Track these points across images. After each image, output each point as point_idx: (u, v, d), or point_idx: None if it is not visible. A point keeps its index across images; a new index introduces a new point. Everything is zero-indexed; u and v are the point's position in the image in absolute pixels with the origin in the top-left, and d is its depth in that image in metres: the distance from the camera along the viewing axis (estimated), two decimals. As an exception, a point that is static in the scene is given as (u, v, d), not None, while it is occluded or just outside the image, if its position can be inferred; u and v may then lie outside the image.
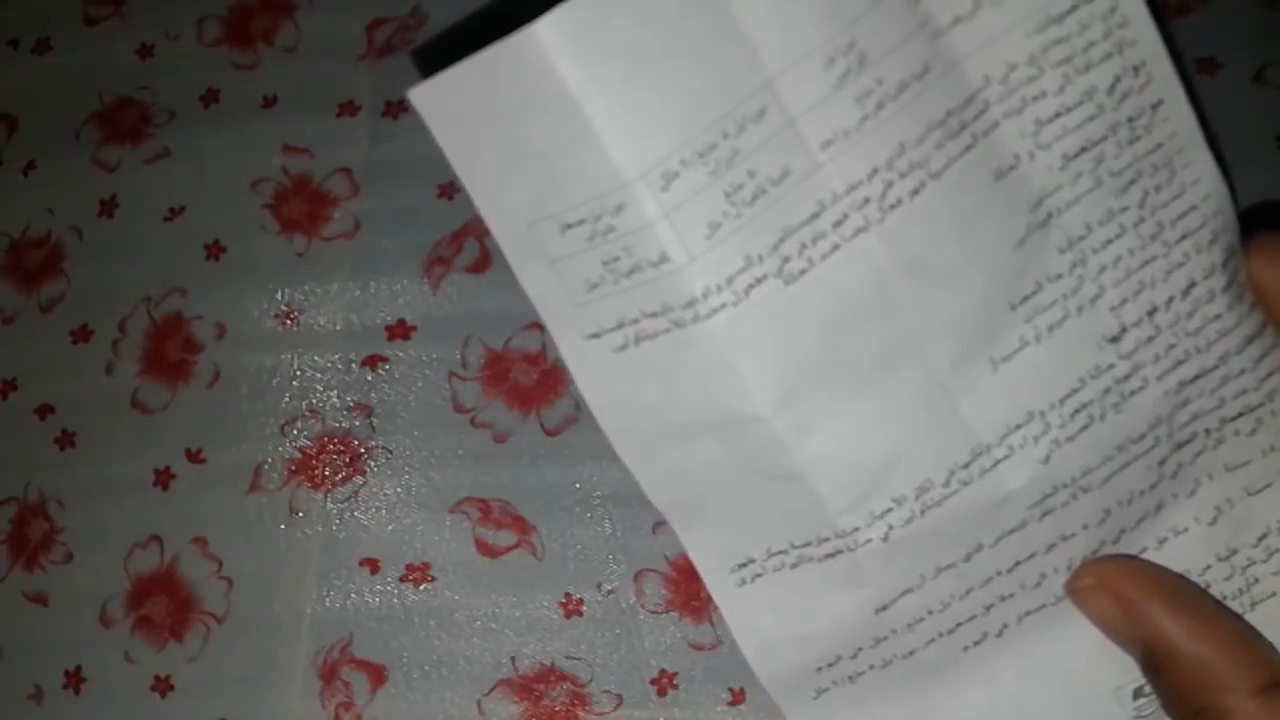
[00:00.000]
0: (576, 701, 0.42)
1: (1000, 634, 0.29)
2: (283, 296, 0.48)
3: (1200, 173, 0.27)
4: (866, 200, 0.25)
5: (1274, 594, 0.30)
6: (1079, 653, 0.30)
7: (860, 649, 0.29)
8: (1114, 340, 0.27)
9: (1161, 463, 0.28)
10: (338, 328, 0.48)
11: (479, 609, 0.44)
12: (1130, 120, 0.26)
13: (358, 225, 0.49)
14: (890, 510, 0.27)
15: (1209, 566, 0.29)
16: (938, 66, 0.25)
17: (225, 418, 0.47)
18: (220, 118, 0.51)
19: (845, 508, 0.27)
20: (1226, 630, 0.27)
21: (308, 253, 0.49)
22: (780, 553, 0.28)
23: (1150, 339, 0.27)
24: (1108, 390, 0.27)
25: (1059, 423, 0.27)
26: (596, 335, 0.26)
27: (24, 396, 0.49)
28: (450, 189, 0.48)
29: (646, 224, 0.24)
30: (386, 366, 0.47)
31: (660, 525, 0.43)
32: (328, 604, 0.44)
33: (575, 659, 0.43)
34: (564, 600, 0.43)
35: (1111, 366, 0.27)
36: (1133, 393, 0.27)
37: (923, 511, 0.27)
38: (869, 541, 0.28)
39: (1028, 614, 0.29)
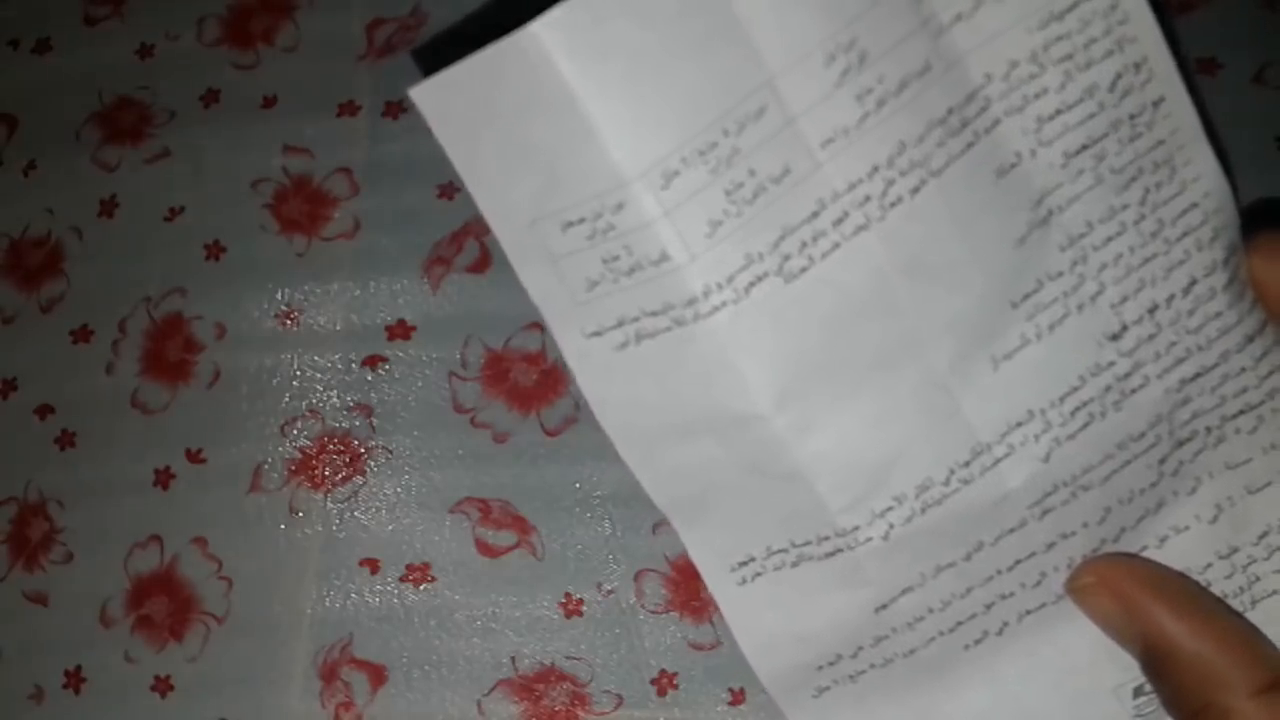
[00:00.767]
0: (576, 701, 0.42)
1: (1001, 632, 0.29)
2: (283, 296, 0.48)
3: (1201, 170, 0.27)
4: (867, 198, 0.25)
5: (1275, 592, 0.30)
6: (1079, 651, 0.29)
7: (861, 648, 0.29)
8: (1115, 338, 0.27)
9: (1162, 461, 0.28)
10: (338, 328, 0.48)
11: (479, 609, 0.44)
12: (1131, 117, 0.26)
13: (358, 225, 0.49)
14: (891, 509, 0.27)
15: (1210, 564, 0.29)
16: (939, 64, 0.25)
17: (225, 418, 0.47)
18: (220, 118, 0.51)
19: (845, 506, 0.27)
20: (1227, 629, 0.27)
21: (308, 253, 0.49)
22: (781, 551, 0.28)
23: (1151, 337, 0.27)
24: (1108, 388, 0.27)
25: (1059, 421, 0.27)
26: (597, 333, 0.26)
27: (24, 396, 0.49)
28: (450, 189, 0.48)
29: (647, 222, 0.24)
30: (386, 366, 0.47)
31: (660, 525, 0.43)
32: (328, 604, 0.44)
33: (575, 659, 0.43)
34: (564, 600, 0.43)
35: (1112, 364, 0.27)
36: (1133, 391, 0.27)
37: (923, 510, 0.27)
38: (869, 540, 0.28)
39: (1028, 612, 0.29)
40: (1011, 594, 0.29)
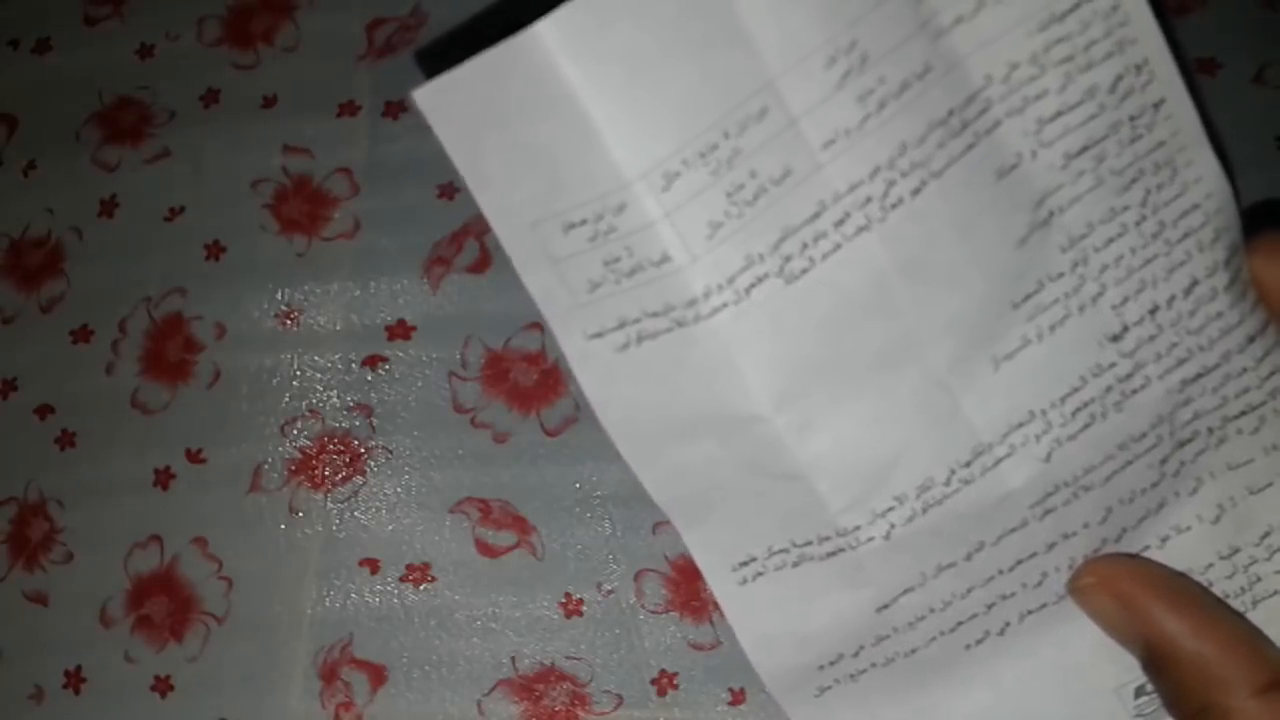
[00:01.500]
0: (576, 701, 0.42)
1: (1002, 632, 0.29)
2: (283, 296, 0.48)
3: (1202, 171, 0.27)
4: (868, 199, 0.25)
5: (1276, 592, 0.30)
6: (1081, 651, 0.30)
7: (862, 647, 0.29)
8: (1116, 339, 0.27)
9: (1163, 461, 0.28)
10: (338, 328, 0.48)
11: (479, 609, 0.44)
12: (1132, 119, 0.26)
13: (358, 225, 0.49)
14: (892, 509, 0.27)
15: (1211, 565, 0.29)
16: (939, 66, 0.25)
17: (225, 418, 0.47)
18: (220, 118, 0.51)
19: (846, 506, 0.27)
20: (1228, 629, 0.27)
21: (308, 253, 0.49)
22: (782, 551, 0.28)
23: (1152, 337, 0.27)
24: (1109, 389, 0.27)
25: (1060, 421, 0.27)
26: (599, 335, 0.26)
27: (24, 396, 0.49)
28: (450, 189, 0.48)
29: (648, 224, 0.25)
30: (386, 366, 0.47)
31: (660, 525, 0.43)
32: (328, 604, 0.44)
33: (575, 659, 0.43)
34: (564, 600, 0.43)
35: (1113, 365, 0.27)
36: (1134, 391, 0.27)
37: (924, 510, 0.27)
38: (870, 540, 0.28)
39: (1029, 612, 0.29)
40: (1013, 594, 0.29)
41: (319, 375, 0.47)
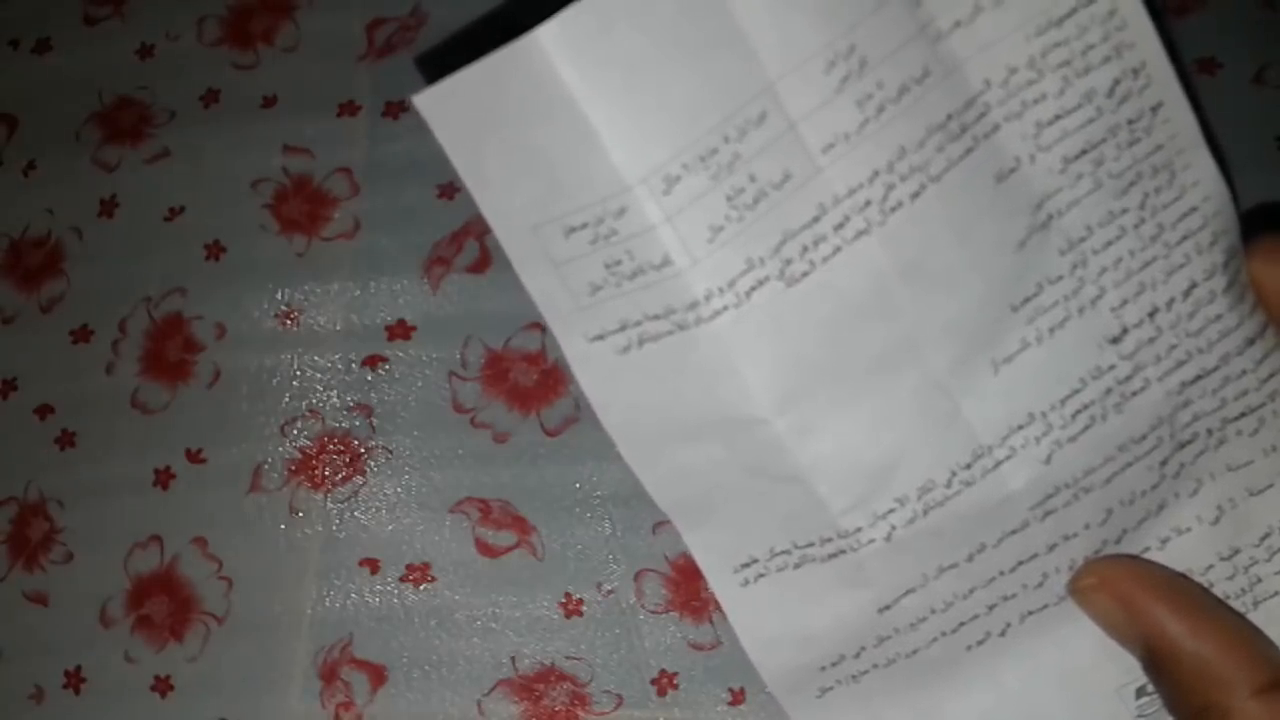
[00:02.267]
0: (576, 701, 0.43)
1: (1003, 633, 0.29)
2: (283, 296, 0.48)
3: (1201, 174, 0.27)
4: (867, 203, 0.25)
5: (1276, 593, 0.30)
6: (1081, 652, 0.30)
7: (863, 648, 0.29)
8: (1115, 341, 0.27)
9: (1163, 463, 0.28)
10: (338, 328, 0.48)
11: (479, 609, 0.44)
12: (1130, 122, 0.26)
13: (358, 225, 0.49)
14: (893, 510, 0.27)
15: (1211, 566, 0.30)
16: (938, 70, 0.25)
17: (225, 418, 0.47)
18: (220, 118, 0.51)
19: (847, 508, 0.27)
20: (1229, 629, 0.27)
21: (308, 253, 0.49)
22: (783, 553, 0.28)
23: (1151, 340, 0.27)
24: (1109, 391, 0.27)
25: (1060, 423, 0.27)
26: (600, 337, 0.26)
27: (24, 396, 0.49)
28: (450, 189, 0.48)
29: (648, 227, 0.25)
30: (386, 366, 0.47)
31: (660, 525, 0.43)
32: (328, 604, 0.44)
33: (575, 659, 0.43)
34: (564, 600, 0.44)
35: (1113, 367, 0.27)
36: (1134, 393, 0.28)
37: (925, 512, 0.27)
38: (871, 541, 0.28)
39: (1030, 614, 0.29)
40: (1014, 595, 0.29)
41: (319, 375, 0.47)
